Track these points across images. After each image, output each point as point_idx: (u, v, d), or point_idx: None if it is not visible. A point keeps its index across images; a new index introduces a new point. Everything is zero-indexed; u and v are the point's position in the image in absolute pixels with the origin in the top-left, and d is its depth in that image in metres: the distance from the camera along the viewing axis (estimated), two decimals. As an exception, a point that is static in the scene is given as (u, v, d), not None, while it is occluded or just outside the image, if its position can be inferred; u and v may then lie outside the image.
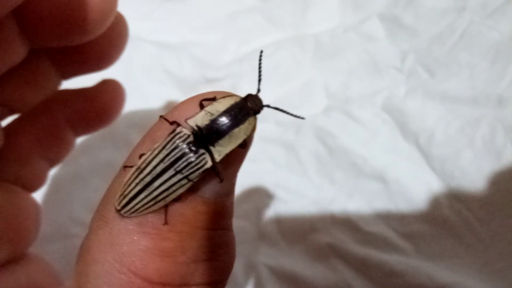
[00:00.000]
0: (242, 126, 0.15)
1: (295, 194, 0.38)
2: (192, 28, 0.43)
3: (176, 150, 0.15)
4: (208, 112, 0.15)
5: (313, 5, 0.44)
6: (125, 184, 0.15)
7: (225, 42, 0.43)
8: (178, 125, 0.15)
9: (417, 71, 0.39)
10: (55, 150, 0.27)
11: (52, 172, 0.29)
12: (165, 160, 0.15)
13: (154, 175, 0.15)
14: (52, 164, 0.28)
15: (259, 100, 0.16)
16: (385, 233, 0.35)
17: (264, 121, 0.40)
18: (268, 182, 0.38)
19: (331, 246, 0.35)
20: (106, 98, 0.27)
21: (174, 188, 0.14)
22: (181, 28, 0.43)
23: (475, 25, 0.39)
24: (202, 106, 0.15)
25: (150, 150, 0.15)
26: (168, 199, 0.15)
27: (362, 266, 0.34)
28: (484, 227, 0.33)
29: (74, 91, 0.27)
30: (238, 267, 0.36)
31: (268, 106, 0.17)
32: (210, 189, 0.15)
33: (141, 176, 0.15)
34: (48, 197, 0.36)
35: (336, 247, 0.35)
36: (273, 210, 0.37)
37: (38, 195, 0.26)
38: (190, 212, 0.15)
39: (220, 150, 0.15)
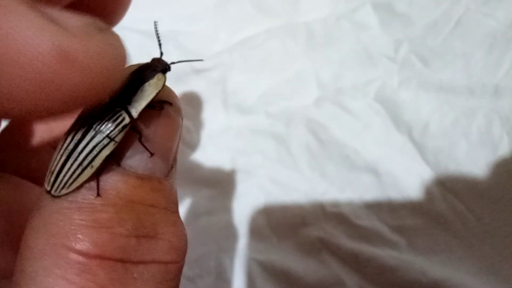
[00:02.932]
0: (151, 81, 0.16)
1: (285, 187, 0.37)
2: (179, 17, 0.42)
3: (94, 113, 0.15)
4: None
5: (304, -7, 0.43)
6: (52, 161, 0.15)
7: (214, 32, 0.42)
8: None
9: (411, 60, 0.38)
10: None
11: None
12: (84, 124, 0.15)
13: (76, 141, 0.15)
14: None
15: (164, 61, 0.18)
16: (377, 227, 0.34)
17: (254, 113, 0.39)
18: (258, 175, 0.37)
19: (322, 240, 0.34)
20: None
21: (97, 149, 0.15)
22: (168, 17, 0.42)
23: (471, 13, 0.38)
24: None
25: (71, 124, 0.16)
26: (95, 163, 0.15)
27: (354, 261, 0.33)
28: (478, 221, 0.33)
29: None
30: (227, 262, 0.35)
31: (173, 63, 0.18)
32: (141, 164, 0.15)
33: (65, 145, 0.15)
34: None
35: (327, 241, 0.34)
36: (263, 204, 0.37)
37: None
38: (123, 186, 0.15)
39: (135, 106, 0.16)
